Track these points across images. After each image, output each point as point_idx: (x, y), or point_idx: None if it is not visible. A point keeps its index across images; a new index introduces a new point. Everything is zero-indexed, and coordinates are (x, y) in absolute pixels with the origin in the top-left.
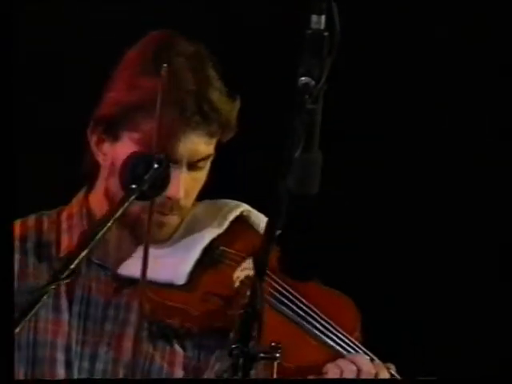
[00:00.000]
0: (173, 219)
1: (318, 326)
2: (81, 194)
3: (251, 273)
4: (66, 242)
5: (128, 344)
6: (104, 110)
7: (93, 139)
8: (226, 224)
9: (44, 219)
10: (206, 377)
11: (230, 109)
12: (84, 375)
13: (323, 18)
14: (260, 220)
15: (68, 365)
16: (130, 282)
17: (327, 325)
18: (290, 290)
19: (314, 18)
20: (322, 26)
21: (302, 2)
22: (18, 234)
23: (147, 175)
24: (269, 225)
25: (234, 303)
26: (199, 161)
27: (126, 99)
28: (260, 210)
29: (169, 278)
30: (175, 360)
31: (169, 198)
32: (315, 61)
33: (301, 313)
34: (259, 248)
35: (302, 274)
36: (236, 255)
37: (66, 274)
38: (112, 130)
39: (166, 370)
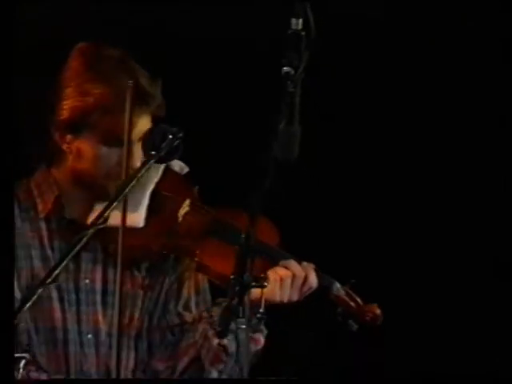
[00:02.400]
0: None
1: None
2: (42, 168)
3: (188, 209)
4: (41, 205)
5: (99, 276)
6: (64, 115)
7: (56, 135)
8: (160, 172)
9: (19, 188)
10: (157, 292)
11: (157, 89)
12: (73, 306)
13: (301, 20)
14: (178, 165)
15: (61, 299)
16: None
17: (261, 242)
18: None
19: (294, 20)
20: (300, 27)
21: (284, 8)
22: None
23: (164, 144)
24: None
25: (178, 234)
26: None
27: (81, 104)
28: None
29: (130, 223)
30: (135, 282)
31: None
32: (295, 54)
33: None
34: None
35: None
36: (175, 198)
37: (100, 221)
38: (73, 129)
39: (131, 291)
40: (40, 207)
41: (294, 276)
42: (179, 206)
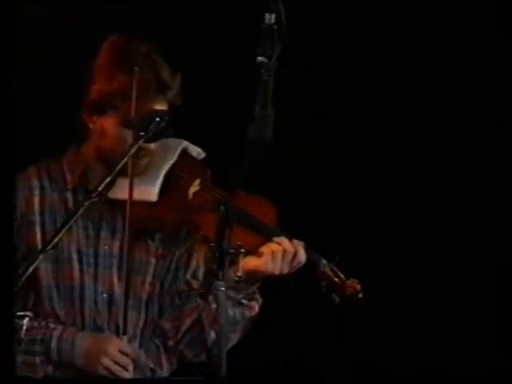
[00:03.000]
0: (144, 161)
1: (251, 221)
2: (73, 148)
3: (198, 188)
4: (70, 177)
5: (117, 244)
6: (92, 96)
7: (84, 115)
8: (176, 156)
9: (51, 164)
10: (168, 260)
11: (176, 82)
12: (91, 268)
13: (273, 15)
14: (196, 151)
15: (80, 261)
16: (117, 202)
17: (257, 220)
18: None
19: (267, 15)
20: (273, 21)
21: (259, 5)
22: (35, 174)
23: (151, 125)
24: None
25: (189, 210)
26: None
27: (107, 89)
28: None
29: (145, 197)
30: (149, 250)
31: (143, 148)
32: (268, 46)
33: (238, 213)
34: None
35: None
36: (187, 178)
37: (95, 194)
38: (98, 110)
39: (145, 258)
40: (68, 180)
41: (284, 251)
42: (190, 185)
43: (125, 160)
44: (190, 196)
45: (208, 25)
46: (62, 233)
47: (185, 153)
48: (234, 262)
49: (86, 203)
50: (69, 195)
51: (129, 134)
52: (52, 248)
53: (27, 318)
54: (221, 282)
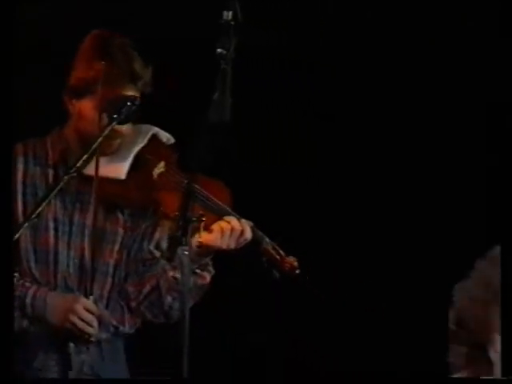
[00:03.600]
0: (116, 141)
1: (206, 200)
2: (57, 128)
3: (163, 170)
4: (51, 154)
5: (90, 216)
6: (72, 81)
7: (65, 97)
8: (146, 140)
9: (37, 142)
10: (135, 233)
11: (147, 73)
12: (65, 236)
13: (231, 12)
14: (166, 137)
15: (56, 228)
16: (91, 178)
17: (212, 200)
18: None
19: (225, 13)
20: (230, 18)
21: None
22: (21, 150)
23: (123, 109)
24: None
25: (152, 189)
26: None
27: (86, 75)
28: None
29: (114, 175)
30: (118, 223)
31: (115, 130)
32: (226, 39)
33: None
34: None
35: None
36: (154, 160)
37: (73, 170)
38: (77, 93)
39: (114, 230)
40: (50, 156)
41: (233, 229)
42: (155, 167)
43: (100, 139)
44: (155, 176)
45: (176, 24)
46: (45, 203)
47: (155, 137)
48: (196, 230)
49: (66, 177)
50: (50, 170)
51: (103, 117)
52: (36, 217)
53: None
54: (185, 247)
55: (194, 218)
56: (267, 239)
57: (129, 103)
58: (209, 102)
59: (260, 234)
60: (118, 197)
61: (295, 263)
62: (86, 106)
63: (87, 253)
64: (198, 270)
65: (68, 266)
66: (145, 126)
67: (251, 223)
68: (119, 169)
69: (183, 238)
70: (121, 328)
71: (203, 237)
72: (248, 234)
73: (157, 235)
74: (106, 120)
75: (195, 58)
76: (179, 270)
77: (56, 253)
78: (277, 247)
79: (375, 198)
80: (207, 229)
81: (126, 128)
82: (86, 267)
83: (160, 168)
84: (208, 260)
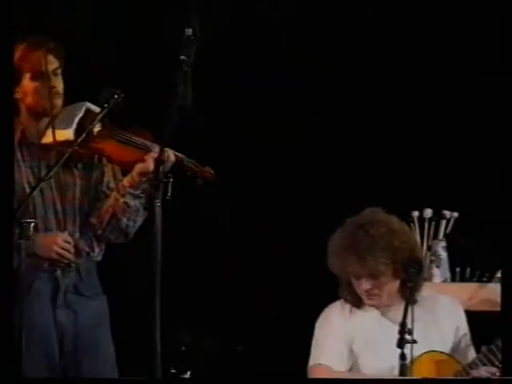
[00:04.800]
0: (60, 116)
1: (137, 142)
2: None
3: (100, 128)
4: (16, 136)
5: (55, 174)
6: (15, 75)
7: (13, 92)
8: (83, 111)
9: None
10: (90, 180)
11: (61, 59)
12: (39, 193)
13: (191, 29)
14: (97, 108)
15: (31, 189)
16: (48, 145)
17: (142, 140)
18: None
19: (187, 30)
20: (190, 33)
21: (182, 20)
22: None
23: (111, 100)
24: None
25: (95, 142)
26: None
27: (20, 64)
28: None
29: (65, 138)
30: (75, 175)
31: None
32: (187, 49)
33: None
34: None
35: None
36: (91, 122)
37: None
38: (16, 80)
39: (72, 181)
40: (16, 138)
41: (159, 155)
42: (93, 127)
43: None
44: (95, 133)
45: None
46: (57, 166)
47: (89, 109)
48: (166, 190)
49: (67, 154)
50: (17, 150)
51: (41, 86)
52: (49, 178)
53: (32, 224)
54: (157, 200)
55: (165, 179)
56: (187, 158)
57: (116, 96)
58: (176, 93)
59: (180, 155)
60: (73, 153)
61: (212, 171)
62: (26, 84)
63: (57, 201)
64: (141, 194)
65: (46, 214)
66: (80, 103)
67: (173, 150)
68: (67, 133)
69: (156, 192)
70: (91, 253)
71: (139, 166)
72: (172, 157)
73: (105, 178)
74: (43, 89)
75: (167, 62)
76: (155, 217)
77: (34, 207)
78: (195, 163)
79: None
80: (141, 161)
81: (68, 107)
82: (58, 212)
83: (97, 127)
84: (146, 185)
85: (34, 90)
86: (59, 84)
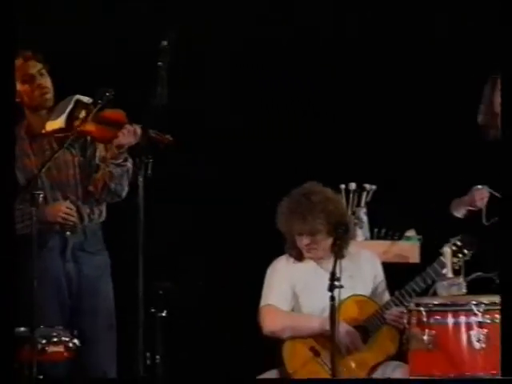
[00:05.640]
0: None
1: (113, 124)
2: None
3: (84, 114)
4: (21, 131)
5: (57, 156)
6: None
7: (17, 99)
8: (73, 103)
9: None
10: (85, 157)
11: (42, 62)
12: (43, 174)
13: (166, 41)
14: (86, 99)
15: (38, 170)
16: (48, 133)
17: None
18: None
19: (163, 42)
20: (166, 44)
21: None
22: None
23: (104, 97)
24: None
25: (82, 126)
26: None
27: (19, 73)
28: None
29: (59, 126)
30: (72, 154)
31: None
32: (164, 57)
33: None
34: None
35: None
36: (78, 111)
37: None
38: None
39: (71, 160)
40: (23, 131)
41: (129, 130)
42: (80, 113)
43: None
44: (81, 118)
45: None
46: (58, 152)
47: (79, 100)
48: (147, 168)
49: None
50: (26, 138)
51: (31, 86)
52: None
53: (41, 195)
54: (140, 178)
55: (147, 160)
56: (152, 130)
57: (107, 94)
58: (154, 93)
59: (148, 130)
60: (65, 137)
61: (170, 138)
62: (23, 88)
63: (62, 178)
64: (123, 163)
65: (52, 188)
66: (71, 96)
67: (139, 125)
68: (60, 122)
69: (139, 171)
70: (91, 216)
71: (115, 141)
72: (138, 130)
73: (97, 153)
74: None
75: (148, 67)
76: (119, 170)
77: (42, 182)
78: (159, 133)
79: None
80: (116, 137)
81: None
82: (63, 185)
83: (83, 113)
84: (125, 154)
85: (27, 90)
86: (46, 81)
